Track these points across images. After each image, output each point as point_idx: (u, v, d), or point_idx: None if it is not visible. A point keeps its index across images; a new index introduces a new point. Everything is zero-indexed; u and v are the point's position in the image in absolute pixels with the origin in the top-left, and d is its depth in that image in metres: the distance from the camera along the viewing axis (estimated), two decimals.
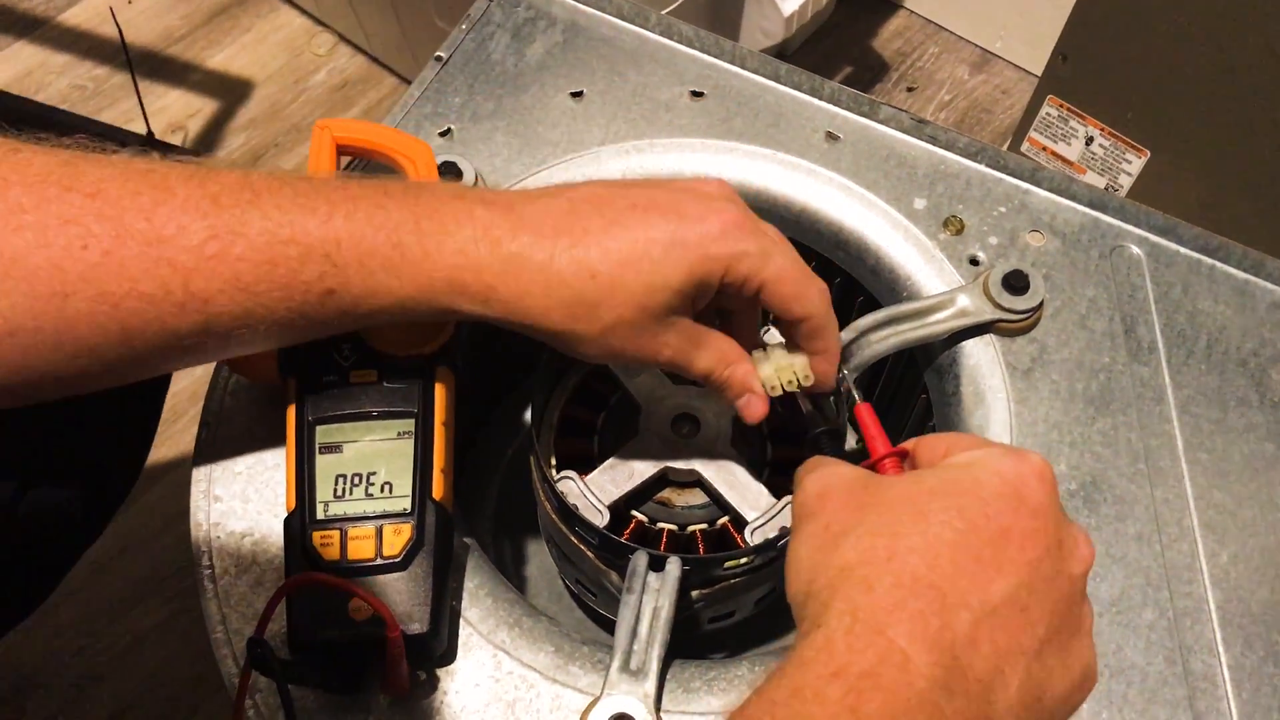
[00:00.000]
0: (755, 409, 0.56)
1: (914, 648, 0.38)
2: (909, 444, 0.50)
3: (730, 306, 0.57)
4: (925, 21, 1.47)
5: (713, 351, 0.54)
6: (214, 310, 0.47)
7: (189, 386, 1.13)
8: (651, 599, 0.56)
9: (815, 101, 0.74)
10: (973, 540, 0.41)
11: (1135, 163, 1.15)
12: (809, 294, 0.53)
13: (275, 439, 0.60)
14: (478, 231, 0.49)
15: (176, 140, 1.36)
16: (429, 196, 0.50)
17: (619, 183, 0.54)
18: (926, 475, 0.45)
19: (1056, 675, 0.41)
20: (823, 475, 0.47)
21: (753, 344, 0.57)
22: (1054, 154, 1.22)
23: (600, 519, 0.60)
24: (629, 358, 0.53)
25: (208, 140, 1.37)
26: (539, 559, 0.81)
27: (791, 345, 0.56)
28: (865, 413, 0.54)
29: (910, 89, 1.42)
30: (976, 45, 1.45)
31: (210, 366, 0.62)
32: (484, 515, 0.84)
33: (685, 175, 0.70)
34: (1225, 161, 1.09)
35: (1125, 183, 1.17)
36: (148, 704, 0.97)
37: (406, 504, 0.54)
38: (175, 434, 1.10)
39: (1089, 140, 1.17)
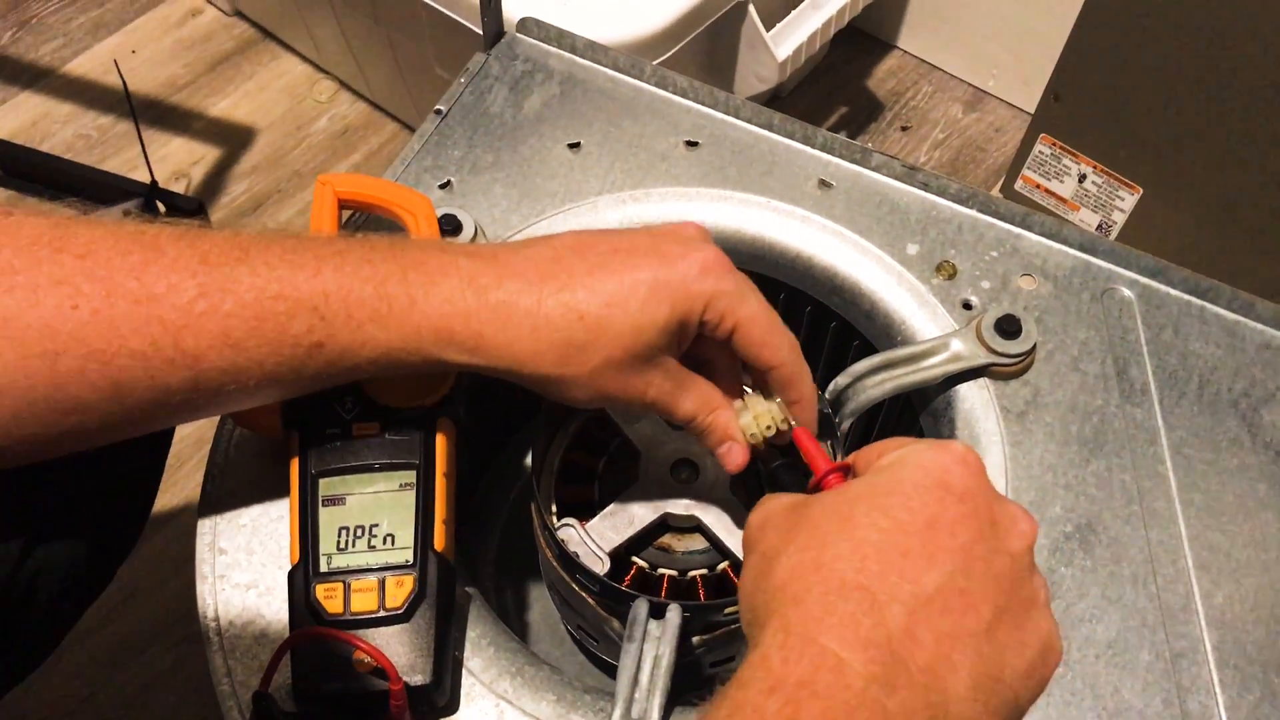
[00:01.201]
0: (735, 457, 0.57)
1: (847, 650, 0.38)
2: (850, 458, 0.50)
3: (708, 355, 0.57)
4: (919, 61, 1.49)
5: (696, 396, 0.55)
6: (203, 366, 0.48)
7: (194, 433, 1.14)
8: (653, 647, 0.57)
9: (808, 150, 0.75)
10: (898, 536, 0.41)
11: (1128, 199, 1.16)
12: (778, 342, 0.54)
13: (279, 491, 0.61)
14: (463, 280, 0.50)
15: (180, 188, 1.37)
16: (415, 250, 0.52)
17: (599, 231, 0.56)
18: (853, 484, 0.45)
19: (1011, 652, 0.41)
20: (763, 508, 0.48)
21: (736, 393, 0.58)
22: (1048, 191, 1.23)
23: (601, 566, 0.61)
24: (617, 400, 0.54)
25: (211, 187, 1.38)
26: (541, 604, 0.82)
27: (768, 394, 0.57)
28: (803, 436, 0.54)
29: (905, 128, 1.44)
30: (970, 84, 1.47)
31: (209, 427, 0.63)
32: (486, 560, 0.84)
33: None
34: (1218, 198, 1.10)
35: (1119, 219, 1.19)
36: None
37: (409, 556, 0.55)
38: (180, 480, 1.11)
39: (1082, 178, 1.19)
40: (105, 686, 1.01)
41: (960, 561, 0.41)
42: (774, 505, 0.48)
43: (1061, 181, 1.21)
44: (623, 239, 0.53)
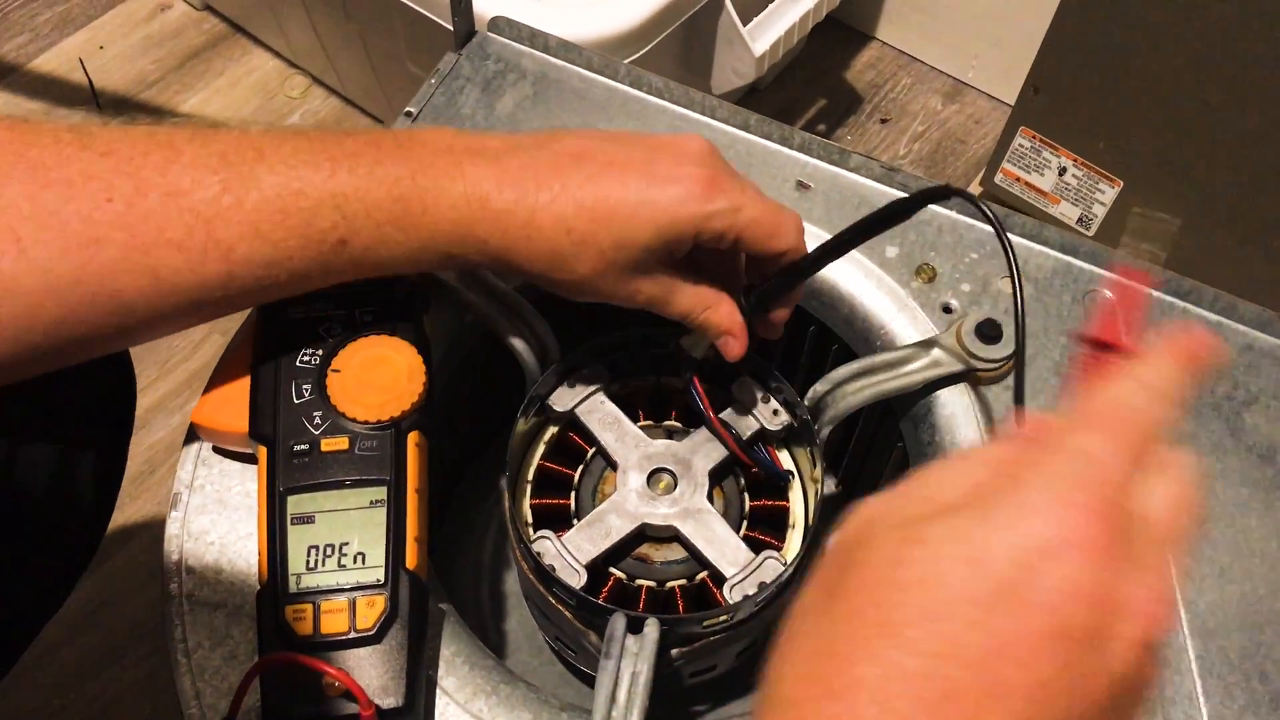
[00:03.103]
0: (732, 348, 0.59)
1: None
2: None
3: (709, 262, 0.59)
4: (898, 53, 1.48)
5: (689, 296, 0.57)
6: (235, 258, 0.50)
7: (166, 438, 1.12)
8: (630, 663, 0.56)
9: (785, 150, 0.74)
10: (948, 666, 0.30)
11: (1109, 192, 1.16)
12: (784, 230, 0.56)
13: (247, 507, 0.60)
14: (468, 188, 0.53)
15: None
16: (419, 149, 0.53)
17: (601, 135, 0.57)
18: (904, 561, 0.32)
19: None
20: (806, 589, 0.36)
21: (736, 288, 0.59)
22: (1028, 185, 1.22)
23: (578, 579, 0.60)
24: (608, 300, 0.56)
25: None
26: (519, 614, 0.81)
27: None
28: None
29: (884, 120, 1.43)
30: (949, 75, 1.46)
31: (181, 432, 0.62)
32: (464, 571, 0.83)
33: None
34: (1197, 190, 1.09)
35: (1099, 212, 1.18)
36: None
37: (380, 575, 0.53)
38: (152, 485, 1.09)
39: (1062, 171, 1.18)
40: (77, 698, 0.99)
41: (1032, 712, 0.30)
42: (809, 590, 0.36)
43: (1042, 175, 1.20)
44: (619, 150, 0.55)
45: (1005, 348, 0.64)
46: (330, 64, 1.38)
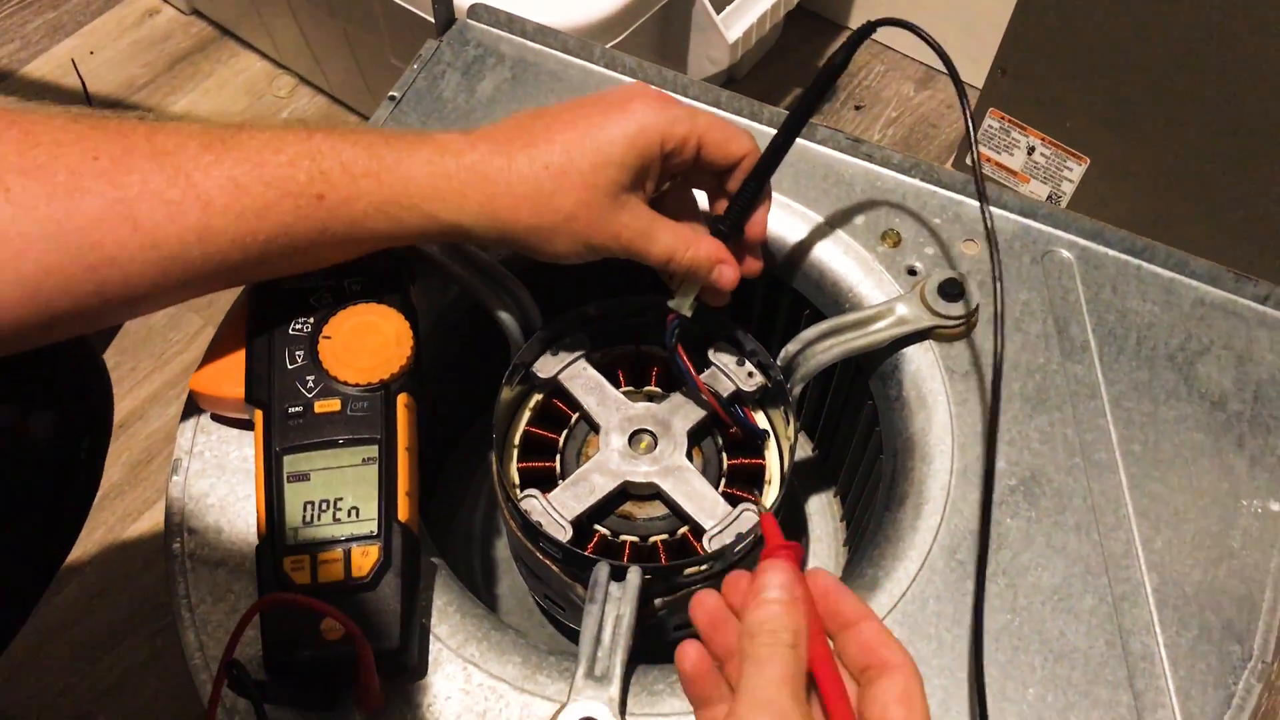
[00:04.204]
0: (726, 276, 0.62)
1: None
2: (864, 617, 0.47)
3: (673, 204, 0.62)
4: (870, 41, 1.50)
5: (670, 234, 0.60)
6: (215, 209, 0.51)
7: (162, 428, 1.15)
8: (614, 607, 0.59)
9: (756, 125, 0.77)
10: None
11: (1076, 170, 1.19)
12: (739, 134, 0.60)
13: (245, 471, 0.62)
14: (439, 147, 0.56)
15: None
16: (389, 128, 0.58)
17: (554, 105, 0.60)
18: None
19: None
20: None
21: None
22: (999, 165, 1.25)
23: (563, 534, 0.63)
24: (595, 245, 0.58)
25: None
26: (510, 578, 0.83)
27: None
28: (766, 520, 0.53)
29: (858, 107, 1.46)
30: (920, 63, 1.49)
31: (177, 422, 0.64)
32: (455, 537, 0.86)
33: None
34: (1162, 165, 1.12)
35: (1068, 189, 1.21)
36: None
37: (373, 527, 0.56)
38: (150, 474, 1.12)
39: (1031, 150, 1.21)
40: (85, 677, 1.02)
41: None
42: None
43: (1011, 155, 1.23)
44: (574, 103, 0.59)
45: (967, 304, 0.67)
46: (316, 63, 1.41)
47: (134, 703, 1.00)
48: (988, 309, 0.69)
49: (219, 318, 0.62)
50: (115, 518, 1.09)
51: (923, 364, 0.68)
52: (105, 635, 1.03)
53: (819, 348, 0.68)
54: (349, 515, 0.56)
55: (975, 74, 1.26)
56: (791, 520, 0.88)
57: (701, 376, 0.68)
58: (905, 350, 0.68)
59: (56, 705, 1.00)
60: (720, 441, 0.69)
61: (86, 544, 1.08)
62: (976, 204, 0.73)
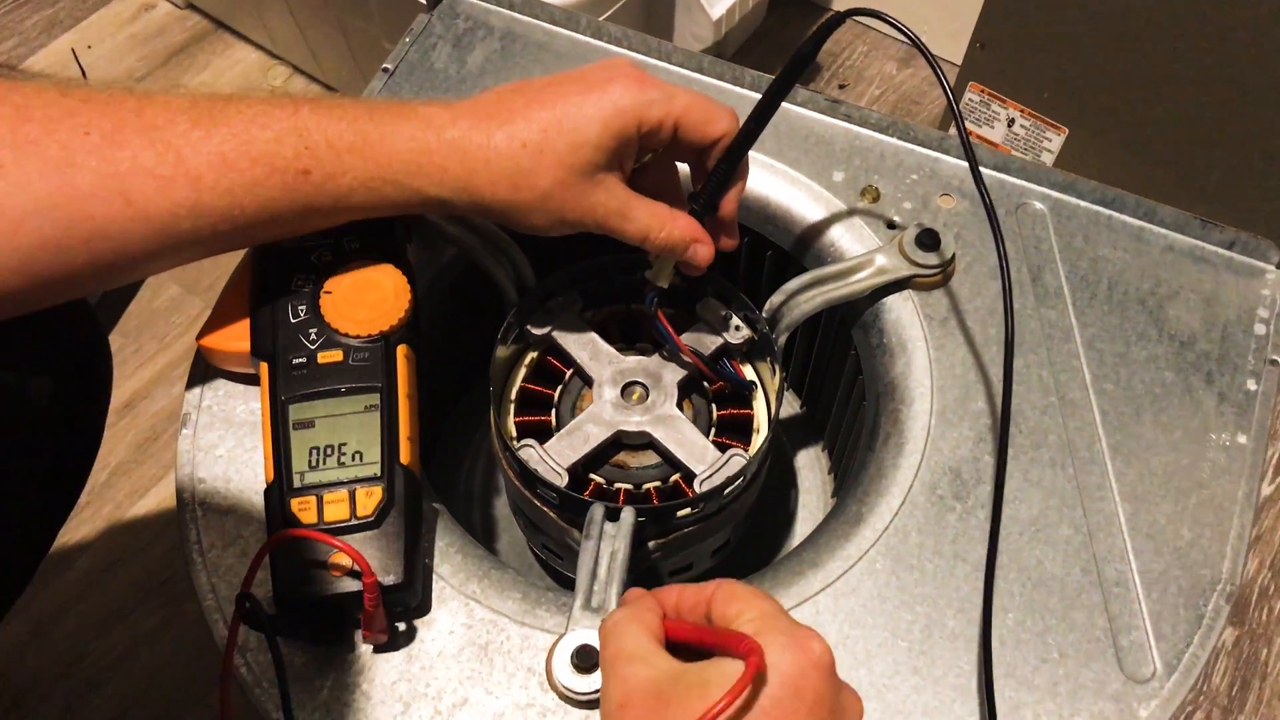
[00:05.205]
0: (701, 254, 0.63)
1: None
2: (710, 586, 0.51)
3: (652, 182, 0.63)
4: (853, 22, 1.53)
5: (645, 212, 0.61)
6: (204, 185, 0.53)
7: (167, 407, 1.17)
8: (609, 544, 0.61)
9: (737, 89, 0.80)
10: None
11: (1055, 140, 1.21)
12: (719, 114, 0.60)
13: (251, 424, 0.65)
14: (422, 122, 0.57)
15: None
16: (374, 100, 0.58)
17: (535, 78, 0.61)
18: (713, 686, 0.44)
19: None
20: (623, 682, 0.47)
21: (683, 206, 0.64)
22: (980, 138, 1.28)
23: (560, 480, 0.65)
24: (571, 222, 0.60)
25: None
26: (509, 534, 0.86)
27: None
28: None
29: (842, 86, 1.49)
30: (902, 43, 1.52)
31: (180, 402, 0.66)
32: (455, 495, 0.88)
33: None
34: (1137, 133, 1.15)
35: (1048, 160, 1.24)
36: (148, 703, 1.01)
37: (376, 469, 0.58)
38: (156, 451, 1.14)
39: (1010, 122, 1.24)
40: (95, 648, 1.04)
41: None
42: (635, 680, 0.47)
43: (992, 127, 1.26)
44: (554, 78, 0.60)
45: (944, 253, 0.70)
46: (310, 52, 1.43)
47: (144, 671, 1.03)
48: (964, 259, 0.72)
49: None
50: (122, 494, 1.12)
51: (902, 312, 0.70)
52: (115, 607, 1.06)
53: (802, 298, 0.70)
54: (353, 459, 0.59)
55: (954, 50, 1.28)
56: (781, 475, 0.91)
57: (691, 331, 0.71)
58: (885, 300, 0.71)
59: (69, 674, 1.02)
60: (710, 393, 0.72)
61: (95, 520, 1.11)
62: (952, 160, 0.77)
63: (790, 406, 0.94)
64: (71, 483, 0.69)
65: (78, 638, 1.04)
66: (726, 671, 0.44)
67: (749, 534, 0.77)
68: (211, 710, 0.99)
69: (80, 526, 1.08)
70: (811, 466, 0.91)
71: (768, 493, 0.78)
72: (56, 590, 1.06)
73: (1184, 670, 0.59)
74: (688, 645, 0.48)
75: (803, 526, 0.88)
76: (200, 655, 1.01)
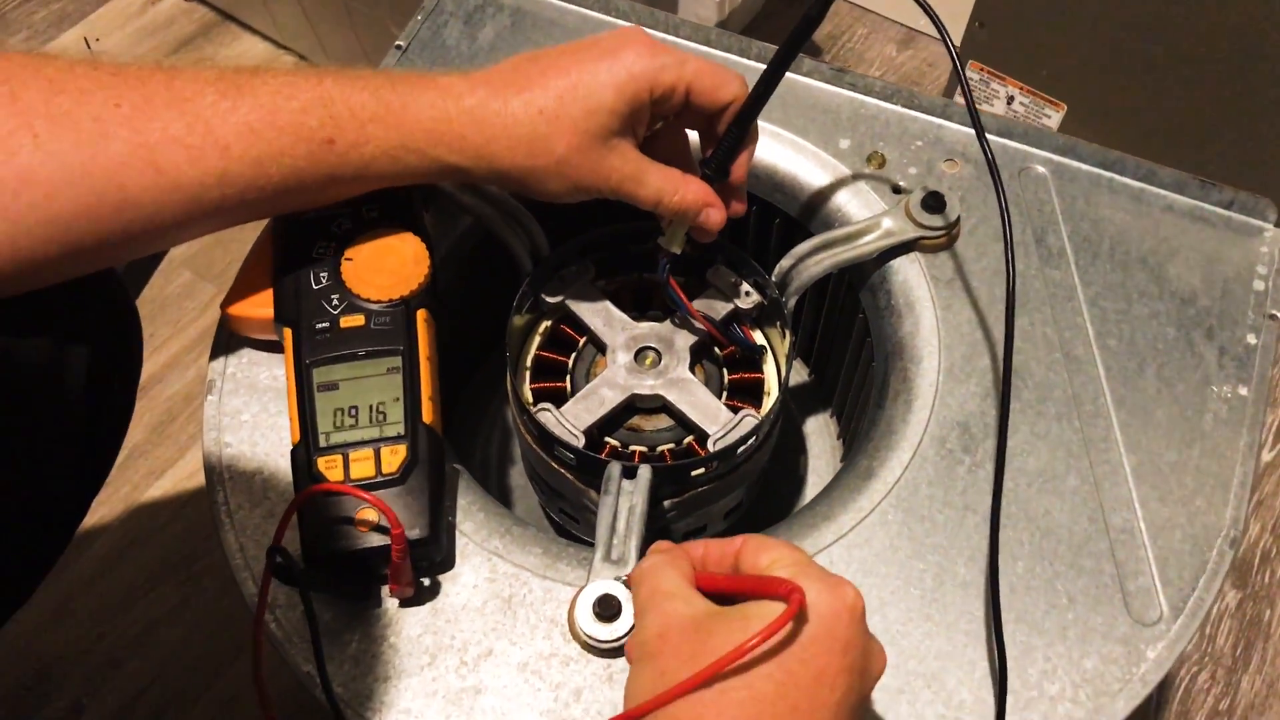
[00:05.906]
0: (713, 218, 0.64)
1: None
2: (738, 540, 0.53)
3: (663, 149, 0.65)
4: (853, 6, 1.55)
5: (658, 176, 0.62)
6: (232, 155, 0.55)
7: (182, 389, 1.19)
8: (627, 499, 0.63)
9: (744, 60, 0.81)
10: (790, 690, 0.44)
11: (1054, 116, 1.23)
12: (728, 80, 0.62)
13: (275, 390, 0.66)
14: (441, 91, 0.59)
15: None
16: (394, 70, 0.60)
17: (550, 48, 0.63)
18: (754, 619, 0.46)
19: None
20: (662, 615, 0.49)
21: (694, 171, 0.65)
22: None
23: (577, 442, 0.66)
24: (586, 187, 0.61)
25: None
26: (525, 502, 0.87)
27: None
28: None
29: (842, 69, 1.50)
30: (901, 24, 1.54)
31: (196, 384, 0.67)
32: (472, 465, 0.89)
33: None
34: (1135, 108, 1.16)
35: None
36: (168, 679, 1.02)
37: (400, 428, 0.60)
38: (173, 433, 1.16)
39: (1010, 100, 1.25)
40: (115, 627, 1.06)
41: (837, 715, 0.45)
42: (672, 616, 0.48)
43: (991, 105, 1.27)
44: (568, 46, 0.61)
45: (950, 215, 0.71)
46: (318, 41, 1.45)
47: (164, 648, 1.04)
48: (968, 222, 0.74)
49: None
50: (140, 475, 1.13)
51: (909, 274, 0.72)
52: (134, 586, 1.07)
53: (811, 261, 0.72)
54: (377, 419, 0.60)
55: (954, 28, 1.29)
56: (790, 440, 0.92)
57: (702, 297, 0.72)
58: (892, 262, 0.72)
59: (91, 651, 1.04)
60: (721, 358, 0.73)
61: (113, 501, 1.12)
62: (955, 126, 0.78)
63: (799, 375, 0.95)
64: (105, 451, 0.71)
65: (98, 617, 1.05)
66: (765, 611, 0.46)
67: (760, 495, 0.79)
68: (229, 687, 1.01)
69: (98, 508, 1.10)
70: (820, 432, 0.93)
71: (778, 457, 0.80)
72: (76, 571, 1.08)
73: (1189, 613, 0.60)
74: (719, 595, 0.50)
75: (812, 489, 0.90)
76: (219, 632, 1.02)
